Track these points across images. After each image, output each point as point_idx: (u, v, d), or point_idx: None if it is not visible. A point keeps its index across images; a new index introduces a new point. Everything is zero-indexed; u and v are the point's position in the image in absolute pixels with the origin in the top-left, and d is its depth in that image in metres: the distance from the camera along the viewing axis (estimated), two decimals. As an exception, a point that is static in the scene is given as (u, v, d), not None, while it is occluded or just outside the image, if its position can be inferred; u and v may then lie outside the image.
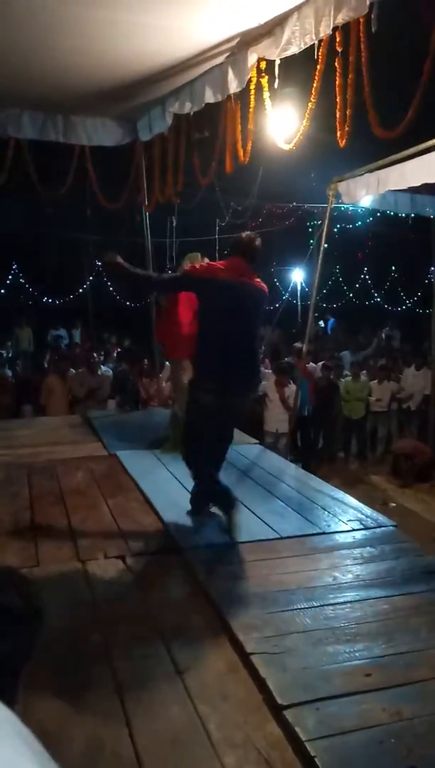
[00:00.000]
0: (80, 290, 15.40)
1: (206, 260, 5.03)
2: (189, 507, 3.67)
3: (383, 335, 14.36)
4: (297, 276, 16.41)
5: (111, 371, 8.72)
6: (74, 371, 8.33)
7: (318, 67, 4.02)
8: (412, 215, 6.99)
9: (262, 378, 3.45)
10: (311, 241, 12.40)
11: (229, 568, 3.00)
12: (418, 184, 5.06)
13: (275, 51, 4.10)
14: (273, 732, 1.87)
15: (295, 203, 13.56)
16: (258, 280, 3.62)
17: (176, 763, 1.76)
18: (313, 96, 4.22)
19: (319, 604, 2.62)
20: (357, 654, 2.25)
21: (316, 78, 4.09)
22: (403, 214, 6.95)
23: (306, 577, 2.90)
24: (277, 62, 4.25)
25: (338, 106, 3.86)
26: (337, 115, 3.87)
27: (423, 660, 2.23)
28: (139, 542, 3.30)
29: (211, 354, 3.46)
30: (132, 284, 3.88)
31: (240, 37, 4.31)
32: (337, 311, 17.39)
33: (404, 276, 17.05)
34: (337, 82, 3.76)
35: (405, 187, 5.47)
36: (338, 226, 13.67)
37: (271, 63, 4.32)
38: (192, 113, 5.25)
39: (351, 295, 18.02)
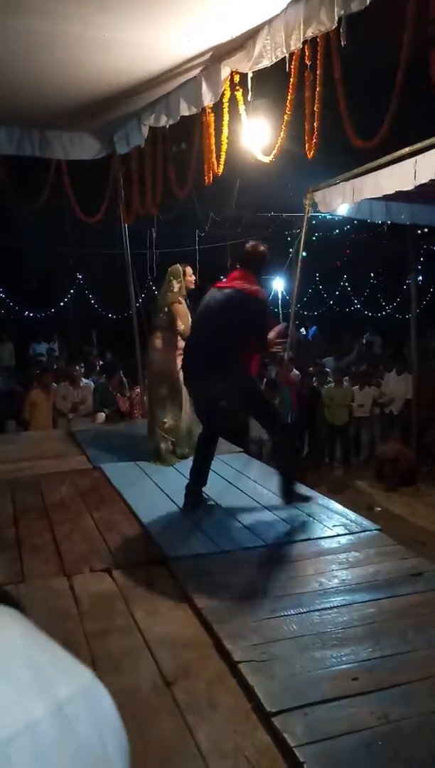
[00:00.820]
0: (62, 303, 15.36)
1: (189, 269, 5.08)
2: (179, 514, 3.83)
3: (364, 341, 14.51)
4: (277, 285, 16.53)
5: (93, 384, 8.69)
6: (56, 385, 8.29)
7: (291, 80, 4.11)
8: (388, 223, 7.08)
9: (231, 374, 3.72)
10: (290, 250, 12.52)
11: (215, 578, 3.00)
12: (392, 192, 5.14)
13: (248, 64, 4.17)
14: (262, 739, 1.87)
15: (273, 213, 13.69)
16: (246, 285, 3.75)
17: (166, 775, 1.75)
18: (288, 108, 4.30)
19: (305, 610, 2.63)
20: (344, 658, 2.26)
21: (290, 91, 4.18)
22: (379, 222, 7.02)
23: (292, 584, 2.91)
24: (250, 75, 4.32)
25: (306, 119, 3.93)
26: (306, 127, 3.94)
27: (409, 662, 2.24)
28: (124, 554, 3.29)
29: (186, 349, 4.10)
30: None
31: (213, 51, 4.37)
32: (318, 319, 17.54)
33: (383, 282, 17.25)
34: (305, 95, 3.83)
35: (379, 196, 5.55)
36: (317, 234, 13.82)
37: (244, 76, 4.39)
38: (168, 126, 5.30)
39: (331, 302, 18.19)
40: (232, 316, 3.74)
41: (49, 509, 3.98)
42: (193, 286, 5.06)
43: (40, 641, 0.51)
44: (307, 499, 3.98)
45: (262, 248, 3.92)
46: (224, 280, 3.98)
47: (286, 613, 2.61)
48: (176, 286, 4.96)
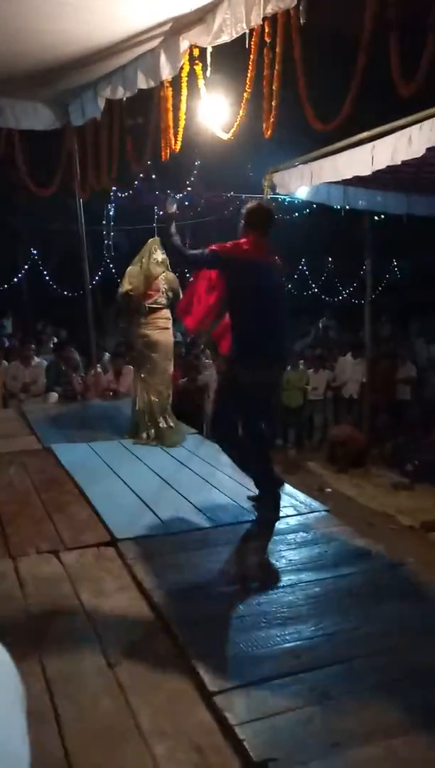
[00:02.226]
0: (15, 278, 14.92)
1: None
2: (130, 495, 3.75)
3: (320, 325, 14.66)
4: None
5: (45, 363, 8.50)
6: (7, 364, 8.07)
7: (251, 56, 4.03)
8: (346, 207, 7.10)
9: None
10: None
11: (164, 559, 2.99)
12: (349, 176, 5.15)
13: (207, 38, 4.08)
14: (203, 719, 1.88)
15: (232, 193, 13.59)
16: (277, 257, 3.60)
17: (107, 757, 1.74)
18: (248, 86, 4.22)
19: (252, 590, 2.66)
20: (287, 637, 2.29)
21: (250, 68, 4.10)
22: (337, 206, 7.04)
23: (240, 565, 2.93)
24: (209, 50, 4.23)
25: (265, 98, 3.88)
26: (264, 106, 3.89)
27: (351, 639, 2.30)
28: (73, 536, 3.24)
29: (249, 333, 3.46)
30: (171, 248, 3.77)
31: (172, 23, 4.26)
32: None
33: (340, 267, 17.41)
34: (264, 73, 3.77)
35: (338, 180, 5.55)
36: (275, 217, 13.81)
37: (203, 50, 4.30)
38: (125, 99, 5.15)
39: (289, 285, 18.25)
40: (284, 296, 3.72)
41: (-5, 490, 3.89)
42: None
43: None
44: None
45: (273, 209, 3.76)
46: (248, 246, 3.44)
47: (232, 594, 2.63)
48: (160, 257, 4.91)
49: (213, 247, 3.47)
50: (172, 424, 5.03)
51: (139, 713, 1.89)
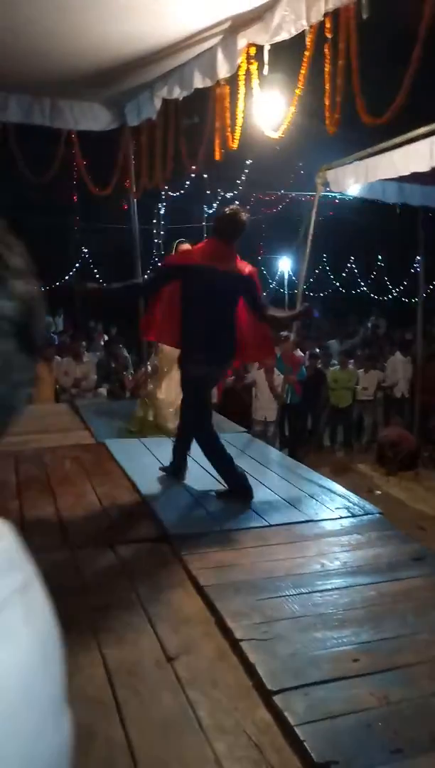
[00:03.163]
0: (66, 276, 15.26)
1: (183, 246, 5.04)
2: (182, 491, 3.82)
3: (369, 324, 14.44)
4: (284, 265, 16.38)
5: (95, 359, 8.67)
6: (59, 359, 8.27)
7: (306, 53, 4.00)
8: (400, 204, 6.97)
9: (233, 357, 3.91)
10: (299, 230, 12.39)
11: (217, 556, 3.01)
12: (407, 173, 5.04)
13: (266, 36, 4.06)
14: (263, 717, 1.89)
15: (282, 191, 13.51)
16: (239, 263, 3.62)
17: (168, 750, 1.77)
18: (300, 83, 4.20)
19: (307, 591, 2.64)
20: (345, 640, 2.28)
21: (305, 64, 4.07)
22: (391, 203, 6.92)
23: (294, 565, 2.92)
24: (267, 48, 4.21)
25: (327, 93, 3.84)
26: (326, 102, 3.84)
27: (409, 645, 2.26)
28: (128, 530, 3.30)
29: (195, 333, 3.65)
30: (119, 299, 4.13)
31: (230, 21, 4.26)
32: (324, 300, 17.41)
33: (391, 265, 17.10)
34: (326, 69, 3.73)
35: (393, 176, 5.45)
36: (326, 214, 13.67)
37: (260, 48, 4.29)
38: (181, 98, 5.19)
39: (338, 284, 18.05)
40: (235, 301, 3.72)
41: (52, 483, 3.99)
42: None
43: None
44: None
45: (240, 216, 3.63)
46: (200, 252, 3.64)
47: (287, 593, 2.63)
48: None
49: (164, 262, 3.70)
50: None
51: (199, 708, 1.91)
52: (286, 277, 16.40)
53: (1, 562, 0.48)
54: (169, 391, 5.12)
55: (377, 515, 3.64)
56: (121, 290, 4.07)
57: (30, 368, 0.52)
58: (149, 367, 7.64)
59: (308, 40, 3.92)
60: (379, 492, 7.08)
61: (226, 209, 3.72)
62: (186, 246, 5.08)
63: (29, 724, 0.43)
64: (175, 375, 5.01)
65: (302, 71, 4.11)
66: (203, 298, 3.58)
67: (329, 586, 2.69)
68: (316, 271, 16.44)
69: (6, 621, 0.44)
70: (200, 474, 4.22)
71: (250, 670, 2.11)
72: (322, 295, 17.52)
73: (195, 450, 4.35)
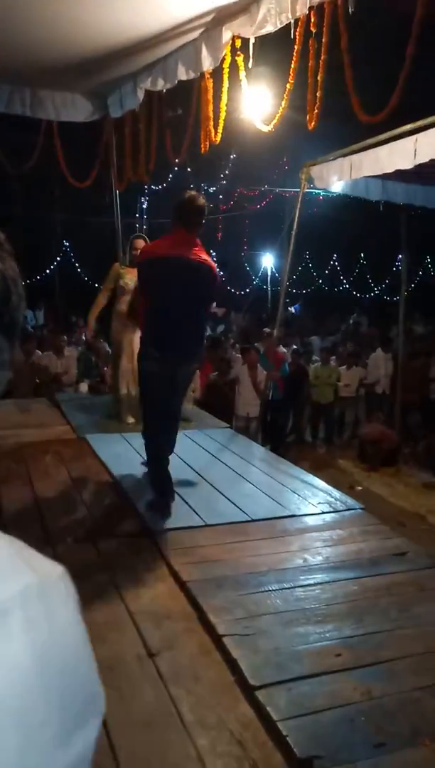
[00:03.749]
0: (47, 270, 15.09)
1: (137, 242, 5.08)
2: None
3: (351, 321, 14.51)
4: (267, 261, 16.38)
5: (76, 354, 8.57)
6: (40, 353, 8.16)
7: (295, 47, 3.97)
8: (383, 202, 6.98)
9: (202, 351, 3.68)
10: (283, 226, 12.40)
11: (199, 551, 2.99)
12: (391, 170, 5.05)
13: (250, 29, 4.03)
14: (245, 713, 1.88)
15: (266, 186, 13.49)
16: (200, 253, 3.41)
17: (149, 746, 1.75)
18: (291, 77, 4.17)
19: (289, 586, 2.64)
20: (327, 635, 2.27)
21: (294, 59, 4.04)
22: (374, 201, 6.93)
23: (277, 559, 2.91)
24: (252, 41, 4.18)
25: (309, 88, 3.82)
26: (308, 97, 3.83)
27: (391, 640, 2.26)
28: (109, 525, 3.27)
29: (153, 326, 3.49)
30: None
31: (215, 13, 4.22)
32: (306, 297, 17.46)
33: (373, 263, 17.20)
34: (309, 64, 3.71)
35: (378, 173, 5.46)
36: (309, 211, 13.69)
37: (246, 41, 4.25)
38: (164, 90, 5.14)
39: (320, 281, 18.11)
40: (201, 291, 3.47)
41: (33, 478, 3.93)
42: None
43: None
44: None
45: (198, 201, 3.41)
46: (162, 242, 3.48)
47: (270, 588, 2.62)
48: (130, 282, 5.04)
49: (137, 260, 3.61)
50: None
51: (181, 704, 1.89)
52: (268, 273, 16.40)
53: None
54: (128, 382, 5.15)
55: (359, 510, 3.65)
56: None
57: (6, 350, 0.49)
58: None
59: (296, 33, 3.90)
60: (359, 488, 7.10)
61: (185, 195, 3.46)
62: (141, 242, 5.14)
63: (12, 740, 0.39)
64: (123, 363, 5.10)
65: (292, 66, 4.09)
66: (168, 289, 3.36)
67: (312, 581, 2.69)
68: (299, 268, 16.48)
69: None
70: (182, 468, 4.19)
71: (232, 665, 2.09)
72: (304, 291, 17.56)
73: (177, 446, 4.32)
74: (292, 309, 16.02)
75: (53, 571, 0.48)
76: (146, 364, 3.50)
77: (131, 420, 5.16)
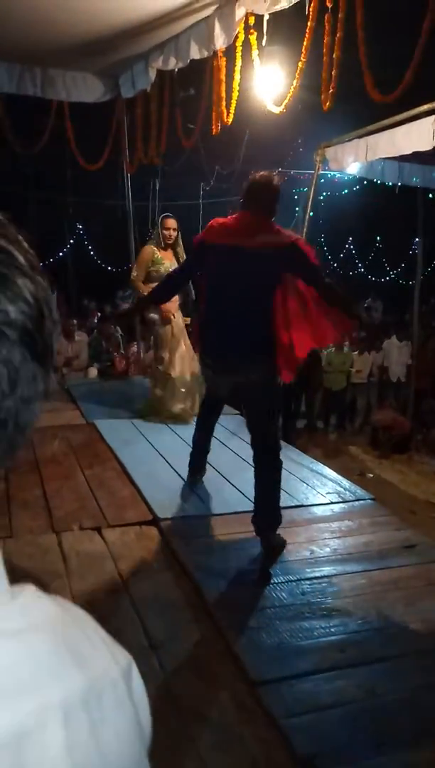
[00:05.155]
0: (60, 254, 15.03)
1: (168, 221, 4.88)
2: (171, 474, 3.72)
3: (365, 306, 14.32)
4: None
5: (87, 338, 8.54)
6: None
7: (308, 24, 3.85)
8: (399, 184, 6.83)
9: (270, 357, 2.89)
10: (297, 209, 12.20)
11: (206, 540, 2.97)
12: (409, 152, 4.90)
13: (264, 5, 3.91)
14: (247, 708, 1.86)
15: (281, 169, 13.27)
16: (281, 235, 2.90)
17: (148, 740, 1.73)
18: (303, 55, 4.05)
19: (295, 579, 2.61)
20: (333, 630, 2.24)
21: (307, 36, 3.92)
22: (390, 183, 6.78)
23: (283, 551, 2.88)
24: (266, 17, 4.06)
25: (324, 67, 3.70)
26: (323, 76, 3.71)
27: (398, 636, 2.23)
28: (115, 513, 3.25)
29: (202, 326, 3.06)
30: (160, 301, 3.47)
31: (228, -11, 4.10)
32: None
33: (389, 247, 16.94)
34: (324, 41, 3.59)
35: (395, 155, 5.31)
36: (324, 194, 13.47)
37: (259, 18, 4.13)
38: (176, 70, 5.03)
39: (335, 264, 17.89)
40: (269, 285, 2.92)
41: (40, 464, 3.92)
42: (169, 240, 4.88)
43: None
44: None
45: (275, 181, 2.97)
46: (226, 227, 2.97)
47: (275, 581, 2.59)
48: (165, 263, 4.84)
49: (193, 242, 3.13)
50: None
51: (181, 698, 1.87)
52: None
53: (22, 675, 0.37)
54: (183, 367, 4.86)
55: (369, 501, 3.61)
56: (157, 292, 3.47)
57: (41, 380, 0.43)
58: (142, 344, 7.56)
59: (310, 9, 3.77)
60: (370, 475, 7.06)
61: (256, 175, 3.00)
62: (172, 221, 4.94)
63: None
64: (186, 347, 4.89)
65: (305, 43, 3.96)
66: (221, 286, 2.90)
67: (318, 574, 2.66)
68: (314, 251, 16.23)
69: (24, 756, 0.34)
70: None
71: (234, 658, 2.07)
72: (318, 275, 17.30)
73: (185, 433, 4.29)
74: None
75: (111, 669, 0.43)
76: (202, 370, 3.22)
77: (179, 407, 4.87)
